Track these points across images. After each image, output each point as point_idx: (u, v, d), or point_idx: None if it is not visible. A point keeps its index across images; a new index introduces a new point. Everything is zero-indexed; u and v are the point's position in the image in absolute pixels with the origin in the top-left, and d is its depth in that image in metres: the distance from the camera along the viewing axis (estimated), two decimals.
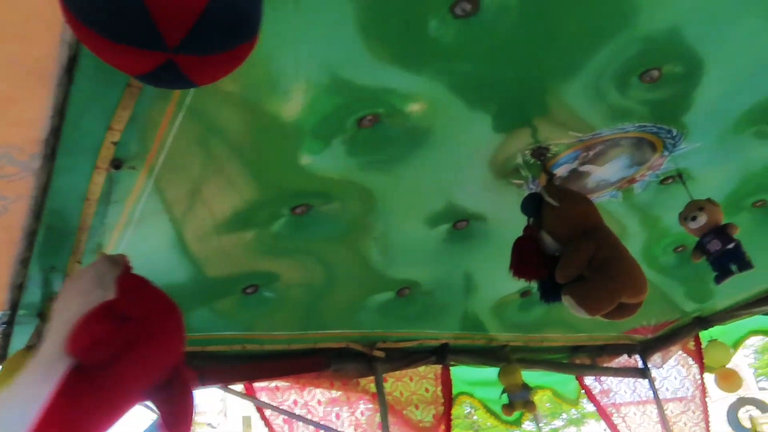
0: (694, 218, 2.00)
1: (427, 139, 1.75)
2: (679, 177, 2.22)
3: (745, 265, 1.90)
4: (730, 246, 1.92)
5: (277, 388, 2.79)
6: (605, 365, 3.44)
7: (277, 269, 2.04)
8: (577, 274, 1.56)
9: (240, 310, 2.24)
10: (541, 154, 1.95)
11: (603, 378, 3.56)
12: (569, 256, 1.59)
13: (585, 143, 1.92)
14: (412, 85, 1.39)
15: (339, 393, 2.86)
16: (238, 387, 2.68)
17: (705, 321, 3.18)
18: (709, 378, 3.19)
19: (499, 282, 2.07)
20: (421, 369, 2.88)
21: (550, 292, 1.61)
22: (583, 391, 3.46)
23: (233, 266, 1.95)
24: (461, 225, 2.22)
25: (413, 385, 2.85)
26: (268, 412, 2.67)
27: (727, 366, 3.04)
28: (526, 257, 1.65)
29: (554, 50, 1.53)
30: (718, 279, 1.95)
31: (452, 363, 2.86)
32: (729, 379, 2.99)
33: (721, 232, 1.95)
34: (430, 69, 1.37)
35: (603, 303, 1.59)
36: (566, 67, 1.61)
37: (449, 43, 1.38)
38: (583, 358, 3.42)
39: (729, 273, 1.94)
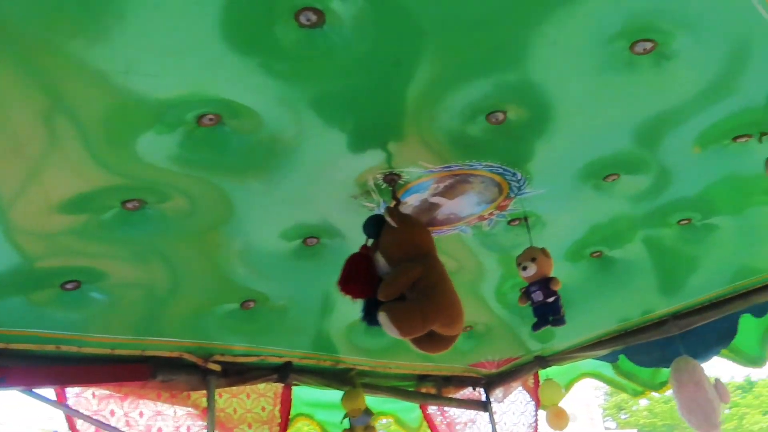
0: (525, 268, 2.11)
1: (279, 151, 1.72)
2: (524, 220, 2.32)
3: (558, 321, 2.06)
4: (550, 299, 2.07)
5: (93, 395, 2.53)
6: (450, 396, 3.51)
7: (105, 267, 1.93)
8: (398, 294, 1.58)
9: (57, 307, 2.10)
10: (392, 179, 1.96)
11: (446, 408, 3.61)
12: (394, 275, 1.61)
13: (436, 175, 1.96)
14: (255, 93, 1.35)
15: (166, 406, 2.65)
16: (48, 392, 2.36)
17: (545, 360, 3.37)
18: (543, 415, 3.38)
19: (353, 303, 2.11)
20: (261, 386, 2.75)
21: (373, 314, 1.60)
22: (424, 420, 3.49)
23: (56, 256, 1.79)
24: (311, 242, 2.19)
25: (249, 402, 2.72)
26: (80, 423, 2.41)
27: (558, 404, 3.23)
28: (355, 274, 1.64)
29: (405, 78, 1.55)
30: (534, 327, 2.10)
31: (295, 383, 2.77)
32: (558, 417, 3.19)
33: (546, 284, 2.08)
34: (276, 76, 1.35)
35: (415, 324, 1.59)
36: (417, 97, 1.62)
37: (298, 53, 1.38)
38: (429, 388, 3.48)
39: (545, 323, 2.08)
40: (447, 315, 1.71)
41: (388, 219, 1.63)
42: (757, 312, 2.69)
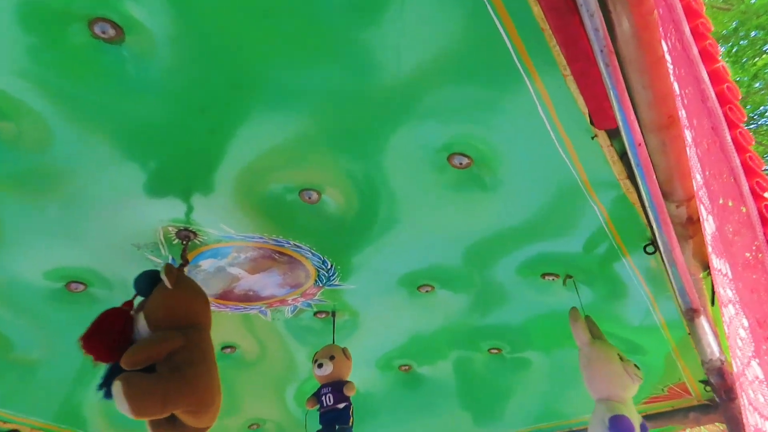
0: (320, 365, 2.04)
1: (63, 174, 1.55)
2: (331, 315, 2.27)
3: (345, 431, 1.99)
4: (341, 405, 2.00)
5: None
6: None
7: None
8: (146, 364, 1.40)
9: None
10: (187, 236, 1.83)
11: None
12: (148, 341, 1.45)
13: (238, 243, 1.86)
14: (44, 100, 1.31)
15: None
16: None
17: None
18: None
19: None
20: None
21: (111, 383, 1.39)
22: None
23: None
24: (76, 287, 1.96)
25: None
26: None
27: None
28: (104, 331, 1.44)
29: (213, 129, 1.48)
30: None
31: None
32: None
33: (339, 388, 2.02)
34: (66, 90, 1.31)
35: (151, 403, 1.42)
36: (226, 154, 1.55)
37: (91, 67, 1.27)
38: None
39: (332, 431, 1.99)
40: (196, 401, 1.54)
41: (164, 278, 1.49)
42: None
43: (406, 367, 2.75)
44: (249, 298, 2.12)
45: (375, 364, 2.70)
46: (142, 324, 1.58)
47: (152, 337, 1.51)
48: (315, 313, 2.31)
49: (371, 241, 1.87)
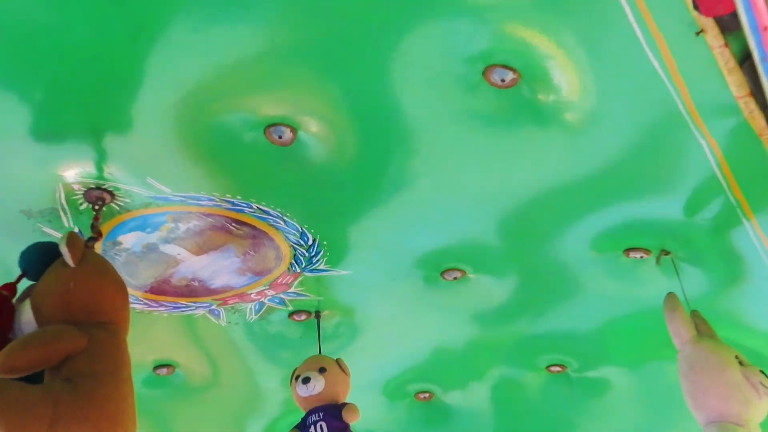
0: (306, 380, 2.09)
1: None
2: (315, 316, 2.34)
3: None
4: None
5: None
6: None
7: None
8: (32, 370, 1.43)
9: None
10: (100, 199, 1.84)
11: None
12: (33, 338, 1.48)
13: (175, 207, 1.88)
14: None
15: None
16: None
17: None
18: None
19: None
20: None
21: None
22: None
23: None
24: None
25: None
26: None
27: None
28: None
29: (124, 23, 1.44)
30: None
31: None
32: None
33: (335, 413, 2.06)
34: None
35: (33, 426, 1.47)
36: (141, 65, 1.53)
37: None
38: None
39: None
40: (98, 428, 1.59)
41: (65, 251, 1.52)
42: None
43: (426, 395, 2.82)
44: (193, 291, 2.16)
45: (382, 391, 2.78)
46: (27, 316, 1.60)
47: (40, 334, 1.54)
48: (291, 314, 2.35)
49: (374, 203, 1.91)
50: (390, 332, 2.51)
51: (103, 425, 1.49)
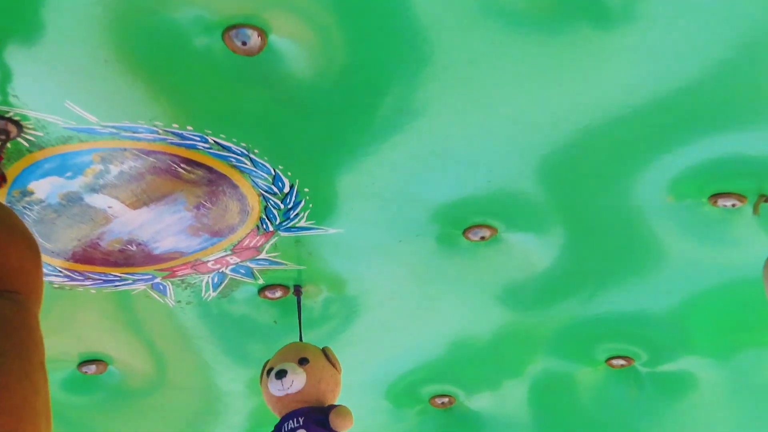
0: (282, 374, 2.11)
1: None
2: (294, 292, 2.38)
3: None
4: None
5: None
6: None
7: None
8: None
9: None
10: (2, 131, 1.86)
11: None
12: None
13: (102, 143, 1.89)
14: None
15: None
16: None
17: None
18: None
19: None
20: None
21: None
22: None
23: None
24: None
25: None
26: None
27: None
28: None
29: None
30: None
31: None
32: None
33: (320, 420, 2.09)
34: None
35: None
36: None
37: None
38: None
39: None
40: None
41: None
42: None
43: (445, 400, 2.89)
44: (130, 258, 2.19)
45: (385, 394, 2.84)
46: None
47: None
48: (262, 290, 2.37)
49: (373, 135, 1.92)
50: (395, 314, 2.55)
51: (4, 421, 1.51)
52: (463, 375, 2.82)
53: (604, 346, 2.70)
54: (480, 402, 2.93)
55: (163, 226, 2.15)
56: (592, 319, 2.59)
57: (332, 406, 2.17)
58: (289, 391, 2.16)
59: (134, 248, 2.20)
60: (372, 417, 2.83)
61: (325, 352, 2.23)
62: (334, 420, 2.14)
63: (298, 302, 2.36)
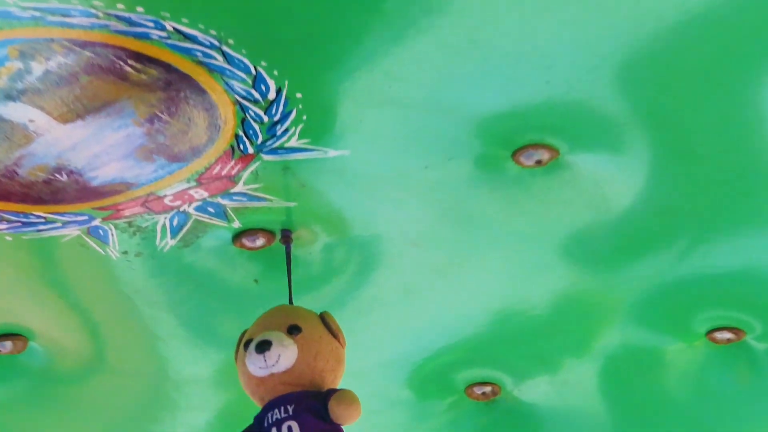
0: (265, 347, 2.14)
1: None
2: (283, 240, 2.41)
3: None
4: None
5: None
6: None
7: None
8: None
9: None
10: None
11: None
12: None
13: (22, 31, 1.90)
14: None
15: None
16: None
17: None
18: None
19: None
20: None
21: None
22: None
23: None
24: None
25: None
26: None
27: None
28: None
29: None
30: None
31: None
32: None
33: (316, 408, 2.11)
34: None
35: None
36: None
37: None
38: None
39: None
40: None
41: None
42: None
43: (487, 389, 2.94)
44: (59, 192, 2.21)
45: (407, 382, 2.91)
46: None
47: None
48: (237, 236, 2.40)
49: (391, 19, 1.94)
50: (419, 270, 2.57)
51: None
52: (510, 356, 2.85)
53: (705, 314, 2.72)
54: (533, 391, 2.97)
55: (104, 148, 2.15)
56: (688, 279, 2.62)
57: (332, 391, 2.18)
58: (275, 370, 2.17)
59: (64, 178, 2.19)
60: (388, 412, 2.88)
61: (324, 319, 2.24)
62: (334, 409, 2.15)
63: (288, 253, 2.37)
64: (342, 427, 2.15)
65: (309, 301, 2.40)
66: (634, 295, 2.66)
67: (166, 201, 2.32)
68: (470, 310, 2.70)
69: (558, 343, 2.82)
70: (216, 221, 2.38)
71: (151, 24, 1.88)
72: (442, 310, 2.69)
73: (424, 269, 2.53)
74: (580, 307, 2.72)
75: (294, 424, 2.12)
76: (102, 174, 2.26)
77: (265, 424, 2.18)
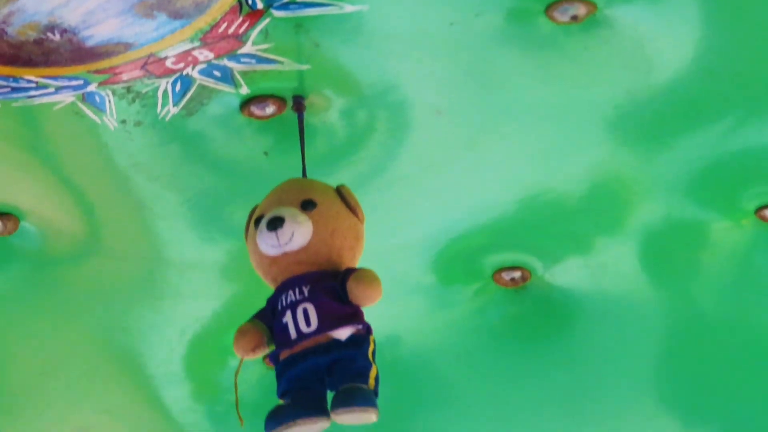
0: (277, 223, 2.13)
1: None
2: (295, 107, 2.41)
3: (361, 399, 2.03)
4: (343, 333, 2.10)
5: None
6: None
7: None
8: None
9: None
10: None
11: None
12: None
13: None
14: None
15: None
16: None
17: None
18: None
19: None
20: None
21: None
22: None
23: None
24: None
25: None
26: None
27: None
28: None
29: None
30: (270, 425, 2.07)
31: None
32: None
33: (333, 288, 2.12)
34: None
35: None
36: None
37: None
38: None
39: (314, 409, 2.08)
40: None
41: None
42: None
43: (517, 275, 2.98)
44: (51, 53, 2.21)
45: (432, 266, 2.93)
46: None
47: None
48: (246, 103, 2.40)
49: None
50: (443, 141, 2.58)
51: None
52: (541, 237, 2.88)
53: (756, 190, 2.72)
54: (566, 276, 2.98)
55: (100, 3, 2.13)
56: (739, 152, 2.62)
57: (351, 270, 2.19)
58: (288, 248, 2.18)
59: (57, 37, 2.19)
60: (411, 297, 2.90)
61: (341, 192, 2.25)
62: (353, 289, 2.15)
63: (300, 121, 2.37)
64: (362, 309, 2.15)
65: (324, 175, 2.40)
66: (678, 169, 2.67)
67: (168, 63, 2.30)
68: (498, 187, 2.72)
69: (593, 222, 2.84)
70: (222, 86, 2.37)
71: None
72: (469, 187, 2.71)
73: (449, 141, 2.52)
74: (617, 184, 2.73)
75: (310, 307, 2.13)
76: (98, 33, 2.24)
77: (279, 307, 2.20)
